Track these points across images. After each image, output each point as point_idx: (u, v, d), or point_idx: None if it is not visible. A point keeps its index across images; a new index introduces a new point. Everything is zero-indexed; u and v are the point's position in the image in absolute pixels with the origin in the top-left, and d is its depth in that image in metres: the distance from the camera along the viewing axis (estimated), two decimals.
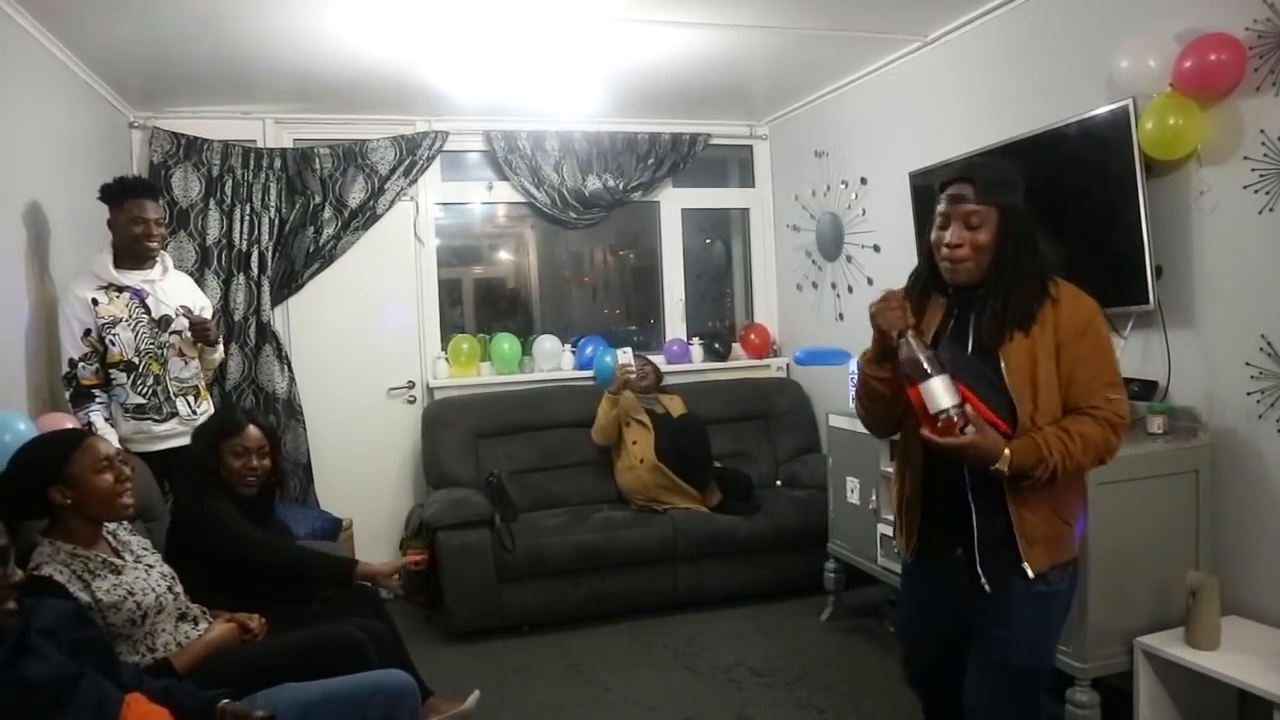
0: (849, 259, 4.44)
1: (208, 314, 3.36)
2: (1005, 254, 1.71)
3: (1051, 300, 1.73)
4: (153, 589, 2.14)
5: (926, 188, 3.60)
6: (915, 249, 3.77)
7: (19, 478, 2.06)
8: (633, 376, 4.23)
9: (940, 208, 1.76)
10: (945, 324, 1.83)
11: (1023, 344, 1.71)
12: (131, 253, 3.07)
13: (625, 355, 4.28)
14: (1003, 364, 1.71)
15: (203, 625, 2.26)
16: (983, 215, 1.70)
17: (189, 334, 3.13)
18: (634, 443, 4.18)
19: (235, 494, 2.64)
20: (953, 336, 1.80)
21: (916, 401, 1.67)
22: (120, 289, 3.03)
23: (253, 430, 2.68)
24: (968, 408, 1.65)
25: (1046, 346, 1.71)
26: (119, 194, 3.05)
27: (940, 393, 1.64)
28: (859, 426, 3.88)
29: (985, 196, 1.70)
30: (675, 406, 4.40)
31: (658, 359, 4.80)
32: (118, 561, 2.13)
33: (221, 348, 3.37)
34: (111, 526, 2.23)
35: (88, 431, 2.33)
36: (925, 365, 1.65)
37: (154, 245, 3.11)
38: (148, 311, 3.07)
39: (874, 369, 1.83)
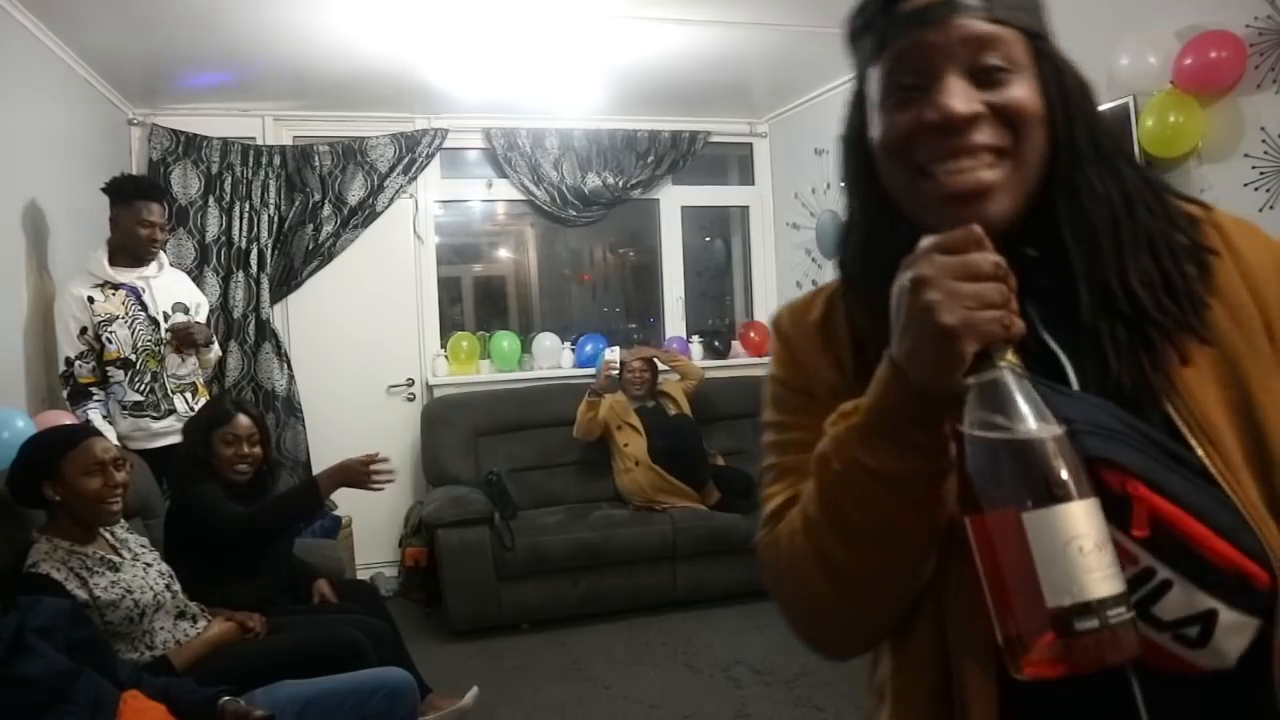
0: None
1: (204, 311, 3.37)
2: (1073, 146, 0.71)
3: (1208, 243, 0.72)
4: (150, 587, 2.15)
5: None
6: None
7: (21, 469, 2.08)
8: (615, 373, 4.23)
9: (892, 50, 0.71)
10: None
11: (1206, 362, 0.69)
12: (132, 252, 3.07)
13: (612, 354, 4.28)
14: (1181, 422, 0.67)
15: (201, 623, 2.26)
16: (1007, 46, 0.69)
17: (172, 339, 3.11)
18: (626, 445, 4.18)
19: (228, 483, 2.65)
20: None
21: (1002, 552, 0.58)
22: (116, 286, 3.02)
23: (242, 419, 2.69)
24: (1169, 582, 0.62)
25: (1255, 346, 0.70)
26: (130, 193, 3.06)
27: (1094, 539, 0.56)
28: None
29: (1002, 7, 0.70)
30: (675, 390, 4.40)
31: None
32: (115, 559, 2.14)
33: (217, 346, 3.37)
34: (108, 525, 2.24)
35: (91, 430, 2.34)
36: (1058, 453, 0.57)
37: (157, 249, 3.14)
38: (144, 309, 3.07)
39: (880, 451, 0.65)
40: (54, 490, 2.06)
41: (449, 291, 5.00)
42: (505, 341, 4.78)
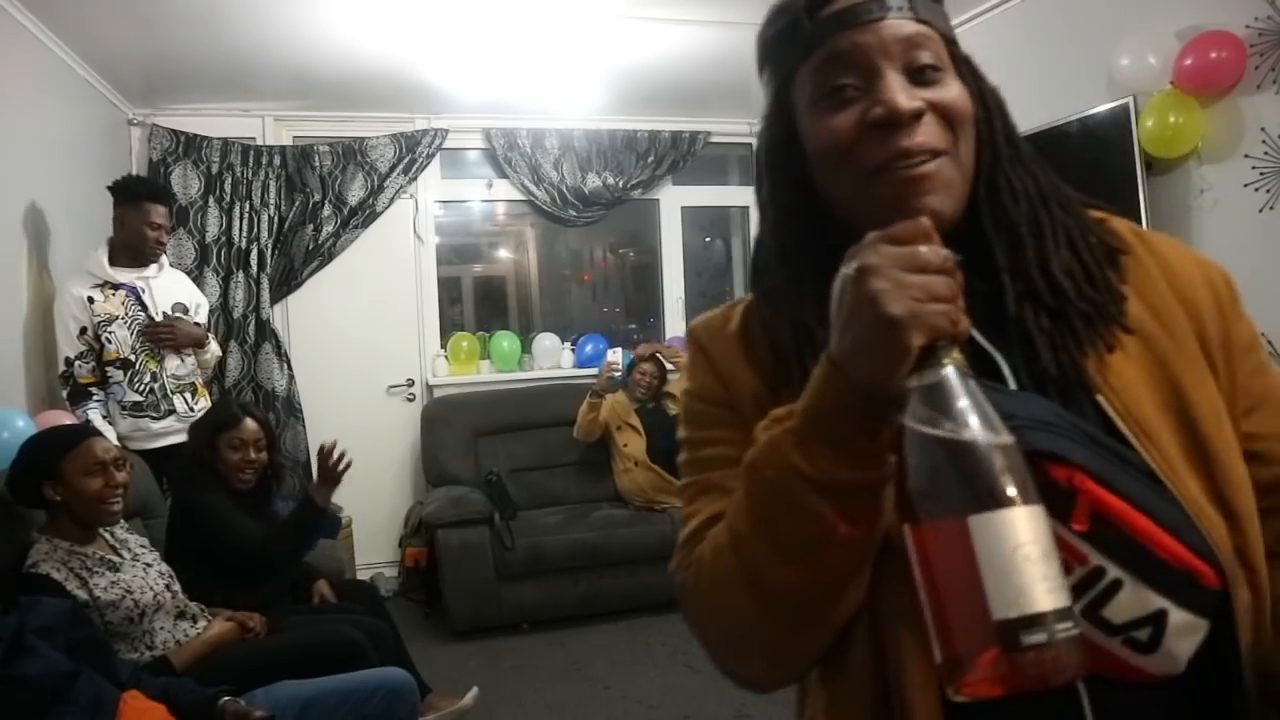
0: None
1: (204, 312, 3.37)
2: (994, 147, 0.73)
3: (1117, 243, 0.74)
4: (150, 587, 2.15)
5: None
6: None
7: (21, 469, 2.08)
8: (618, 374, 4.24)
9: (824, 51, 0.70)
10: None
11: (1131, 359, 0.69)
12: (136, 253, 3.07)
13: (614, 355, 4.29)
14: (1118, 420, 0.67)
15: (201, 623, 2.26)
16: (934, 45, 0.70)
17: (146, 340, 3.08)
18: (625, 445, 4.18)
19: (232, 488, 2.64)
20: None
21: (946, 560, 0.54)
22: (116, 287, 3.02)
23: (250, 423, 2.68)
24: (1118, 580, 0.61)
25: (1182, 346, 0.71)
26: (141, 194, 3.07)
27: (1042, 547, 0.52)
28: None
29: (924, 8, 0.71)
30: (677, 390, 4.40)
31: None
32: (115, 559, 2.14)
33: (215, 346, 3.37)
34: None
35: (92, 430, 2.34)
36: (1005, 456, 0.54)
37: (161, 251, 3.15)
38: (144, 309, 3.07)
39: (816, 455, 0.60)
40: (54, 490, 2.06)
41: (449, 291, 5.00)
42: (505, 342, 4.78)
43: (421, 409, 4.54)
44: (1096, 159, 2.73)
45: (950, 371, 0.55)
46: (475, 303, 5.19)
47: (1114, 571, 0.60)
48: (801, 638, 0.68)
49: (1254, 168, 2.43)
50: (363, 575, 4.20)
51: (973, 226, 0.71)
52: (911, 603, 0.59)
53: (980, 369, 0.64)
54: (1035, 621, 0.50)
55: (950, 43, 0.72)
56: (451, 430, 4.33)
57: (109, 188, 3.07)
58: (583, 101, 4.46)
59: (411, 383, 4.69)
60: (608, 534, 3.88)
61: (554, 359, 4.87)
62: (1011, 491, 0.52)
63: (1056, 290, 0.68)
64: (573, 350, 4.93)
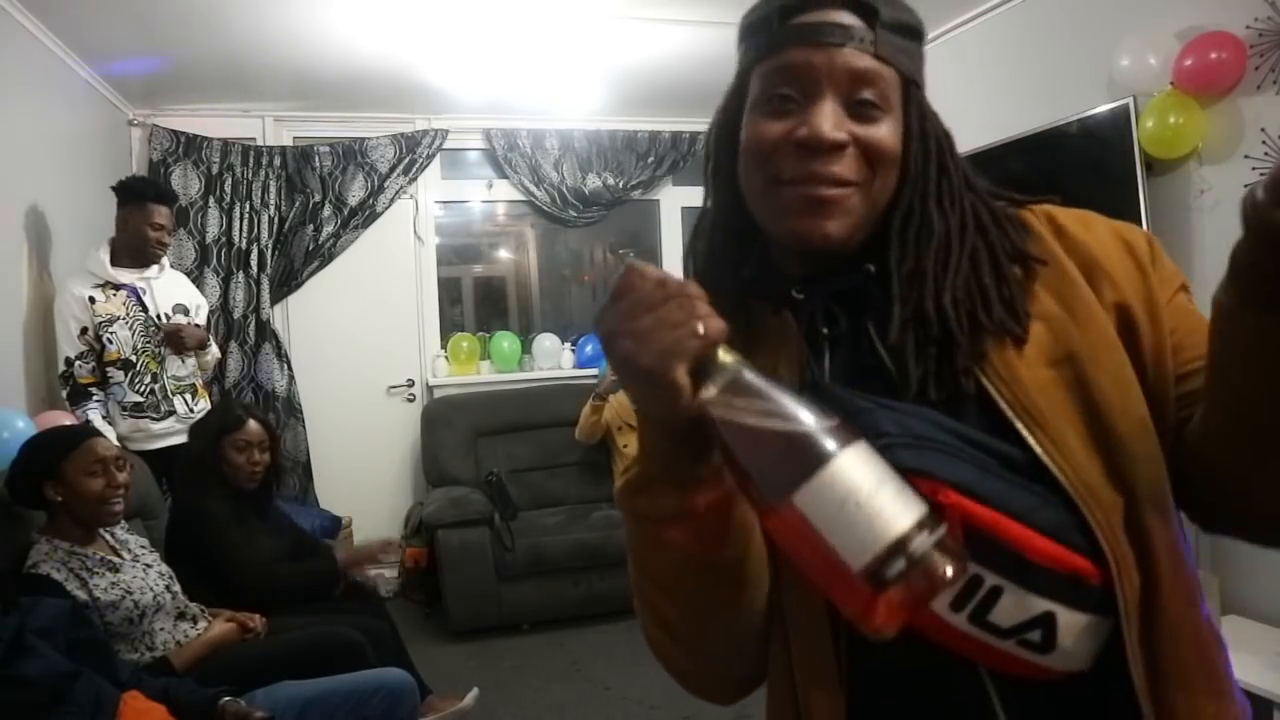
0: None
1: (204, 313, 3.37)
2: (921, 186, 0.74)
3: (1033, 247, 0.75)
4: (150, 588, 2.15)
5: None
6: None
7: (21, 469, 2.08)
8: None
9: (778, 59, 0.73)
10: (812, 354, 0.77)
11: (1033, 346, 0.71)
12: (138, 254, 3.07)
13: None
14: (1006, 408, 0.69)
15: (201, 624, 2.26)
16: (884, 84, 0.72)
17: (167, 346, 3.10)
18: (625, 446, 4.17)
19: (236, 489, 2.65)
20: (847, 375, 0.75)
21: (797, 541, 0.55)
22: (117, 287, 3.02)
23: (253, 425, 2.69)
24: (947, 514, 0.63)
25: (1083, 322, 0.71)
26: (149, 195, 3.07)
27: (866, 487, 0.53)
28: None
29: (889, 47, 0.73)
30: None
31: None
32: (115, 560, 2.14)
33: (216, 348, 3.36)
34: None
35: (93, 430, 2.35)
36: (801, 427, 0.55)
37: (163, 252, 3.16)
38: (144, 310, 3.07)
39: (659, 495, 0.65)
40: (55, 491, 2.06)
41: (449, 292, 5.00)
42: (505, 342, 4.78)
43: (421, 409, 4.54)
44: (1096, 159, 2.73)
45: (725, 372, 0.57)
46: (475, 303, 5.19)
47: (991, 579, 0.61)
48: (717, 660, 0.78)
49: (1254, 168, 2.43)
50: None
51: (882, 243, 0.74)
52: (805, 602, 0.69)
53: (885, 379, 0.71)
54: (890, 553, 0.51)
55: (909, 84, 0.74)
56: (451, 431, 4.33)
57: (113, 188, 3.07)
58: (583, 102, 4.46)
59: (411, 383, 4.69)
60: (608, 534, 3.88)
61: (554, 359, 4.87)
62: (822, 448, 0.53)
63: (944, 320, 0.70)
64: (573, 351, 4.93)
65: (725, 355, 0.58)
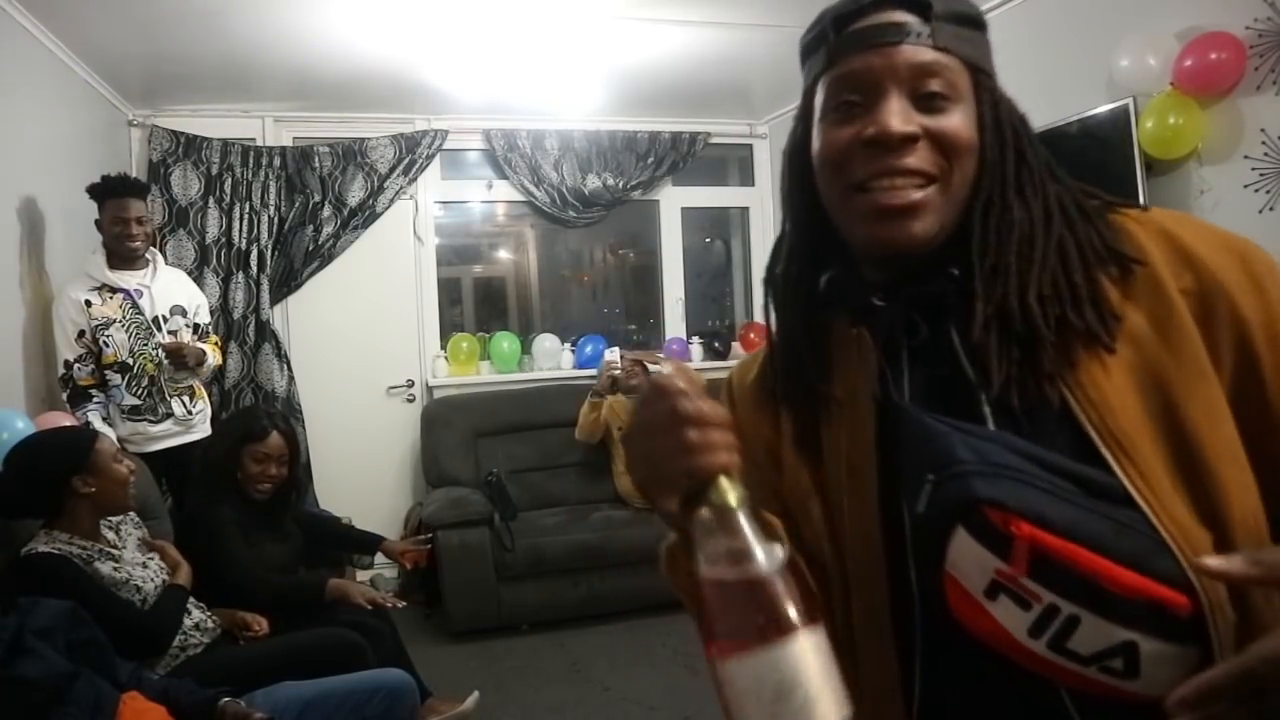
0: None
1: (204, 312, 3.36)
2: (999, 174, 0.72)
3: (1129, 250, 0.70)
4: (151, 579, 2.18)
5: None
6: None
7: (43, 466, 2.09)
8: (618, 373, 4.24)
9: (840, 68, 0.73)
10: (891, 370, 0.75)
11: (1120, 367, 0.67)
12: (117, 252, 3.05)
13: (612, 354, 4.29)
14: (1095, 435, 0.66)
15: (198, 616, 2.28)
16: (950, 74, 0.71)
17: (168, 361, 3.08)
18: None
19: (246, 497, 2.65)
20: (927, 392, 0.73)
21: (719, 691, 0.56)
22: (114, 290, 3.01)
23: (276, 438, 2.70)
24: None
25: (1178, 350, 0.67)
26: (101, 193, 3.02)
27: (799, 690, 0.52)
28: None
29: (947, 36, 0.72)
30: None
31: (658, 354, 4.79)
32: (116, 552, 2.17)
33: (214, 356, 3.30)
34: (114, 521, 2.26)
35: (94, 432, 2.40)
36: (760, 592, 0.54)
37: (136, 245, 3.05)
38: (140, 313, 3.06)
39: (679, 569, 0.70)
40: (85, 482, 2.09)
41: (449, 292, 5.00)
42: (505, 342, 4.78)
43: (421, 410, 4.54)
44: (1096, 160, 2.73)
45: (714, 504, 0.57)
46: (475, 303, 5.19)
47: (1068, 608, 0.61)
48: None
49: (1254, 169, 2.44)
50: (362, 576, 4.19)
51: (967, 245, 0.71)
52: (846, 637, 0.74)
53: (969, 394, 0.69)
54: None
55: (977, 71, 0.73)
56: (451, 431, 4.33)
57: (86, 190, 3.03)
58: (583, 102, 4.46)
59: (411, 383, 4.69)
60: (608, 535, 3.88)
61: (554, 360, 4.87)
62: (774, 622, 0.52)
63: (1029, 318, 0.67)
64: (573, 351, 4.93)
65: (725, 487, 0.57)
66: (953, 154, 0.70)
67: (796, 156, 0.78)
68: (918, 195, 0.69)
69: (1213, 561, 0.57)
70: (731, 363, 5.03)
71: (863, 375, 0.75)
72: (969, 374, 0.69)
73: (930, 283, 0.72)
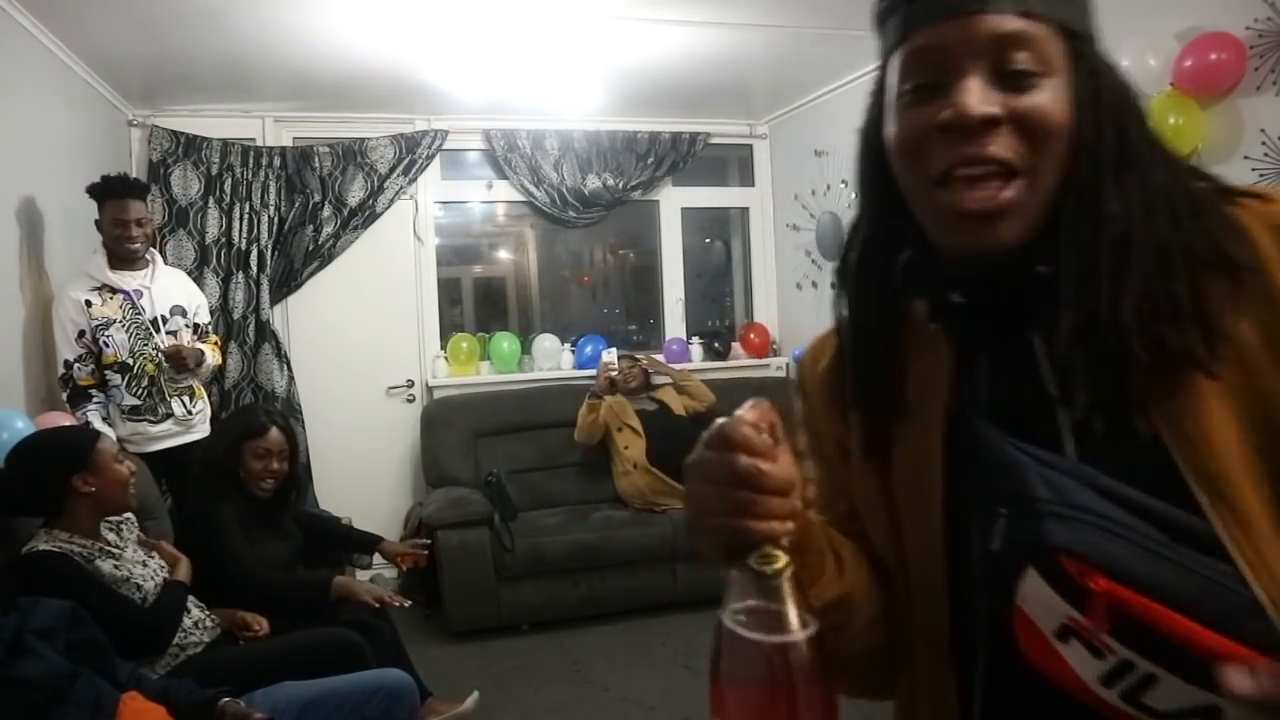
0: None
1: (204, 312, 3.36)
2: (1096, 158, 0.63)
3: (1245, 257, 0.60)
4: (151, 577, 2.19)
5: None
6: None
7: (45, 465, 2.09)
8: (615, 375, 4.24)
9: (913, 42, 0.65)
10: (965, 375, 0.70)
11: (1223, 395, 0.59)
12: (116, 253, 3.05)
13: (609, 355, 4.29)
14: (1188, 473, 0.59)
15: (198, 615, 2.28)
16: (1040, 44, 0.62)
17: (168, 364, 3.07)
18: (625, 447, 4.17)
19: (248, 495, 2.65)
20: (1003, 403, 0.67)
21: None
22: (114, 290, 3.01)
23: (276, 434, 2.70)
24: None
25: None
26: (100, 194, 3.02)
27: None
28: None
29: (1040, 2, 0.62)
30: (671, 398, 4.39)
31: (655, 358, 4.80)
32: (117, 551, 2.17)
33: (213, 356, 3.30)
34: (115, 521, 2.26)
35: (96, 432, 2.41)
36: (781, 664, 0.53)
37: (135, 247, 3.05)
38: (140, 313, 3.06)
39: None
40: (86, 481, 2.09)
41: (449, 293, 5.00)
42: (505, 343, 4.78)
43: (421, 410, 4.54)
44: None
45: (740, 572, 0.55)
46: (475, 304, 5.19)
47: (1145, 666, 0.56)
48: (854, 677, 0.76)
49: (1254, 169, 2.43)
50: (362, 575, 4.19)
51: (1080, 223, 0.62)
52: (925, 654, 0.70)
53: (1038, 407, 0.62)
54: None
55: (1073, 36, 0.63)
56: (451, 431, 4.33)
57: (86, 190, 3.03)
58: (582, 102, 4.46)
59: (411, 384, 4.69)
60: (608, 535, 3.88)
61: (554, 360, 4.87)
62: (764, 702, 0.52)
63: (1121, 333, 0.59)
64: (572, 351, 4.93)
65: (771, 555, 0.54)
66: (1041, 139, 0.61)
67: (871, 136, 0.71)
68: (1003, 196, 0.60)
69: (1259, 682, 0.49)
70: (732, 363, 5.08)
71: (936, 380, 0.69)
72: (1049, 388, 0.62)
73: (1014, 281, 0.64)
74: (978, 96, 0.60)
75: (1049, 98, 0.61)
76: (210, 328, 3.44)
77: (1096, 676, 0.58)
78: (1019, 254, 0.62)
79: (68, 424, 2.65)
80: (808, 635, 0.53)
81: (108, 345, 2.97)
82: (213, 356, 3.28)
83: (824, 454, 0.78)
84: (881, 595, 0.73)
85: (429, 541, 3.35)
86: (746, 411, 0.57)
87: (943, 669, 0.69)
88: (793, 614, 0.53)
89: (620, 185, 4.88)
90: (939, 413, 0.69)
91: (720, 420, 0.57)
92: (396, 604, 2.68)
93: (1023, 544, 0.60)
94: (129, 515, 2.32)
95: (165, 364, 3.06)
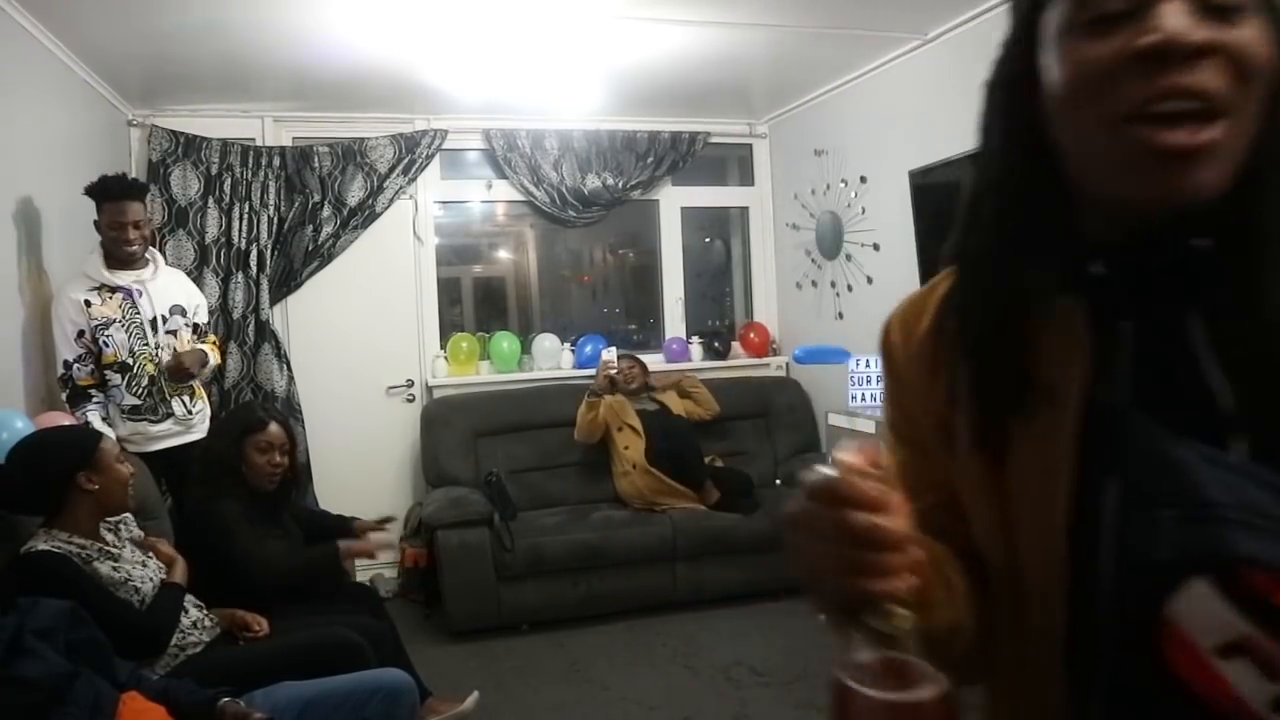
0: (848, 257, 4.43)
1: (203, 312, 3.36)
2: None
3: None
4: (149, 578, 2.19)
5: (926, 186, 3.60)
6: (915, 247, 3.76)
7: (48, 463, 2.09)
8: (614, 373, 4.24)
9: None
10: (1105, 359, 0.61)
11: None
12: (112, 254, 3.04)
13: (609, 354, 4.29)
14: None
15: (196, 615, 2.28)
16: None
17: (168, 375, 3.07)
18: (625, 448, 4.17)
19: (252, 490, 2.66)
20: (1149, 393, 0.58)
21: None
22: (113, 290, 3.01)
23: (275, 427, 2.72)
24: None
25: None
26: (98, 195, 3.02)
27: None
28: (859, 425, 3.90)
29: None
30: (672, 401, 4.39)
31: (655, 357, 4.80)
32: (115, 551, 2.17)
33: (214, 357, 3.30)
34: (113, 521, 2.26)
35: (96, 433, 2.41)
36: None
37: (133, 249, 3.04)
38: (139, 313, 3.06)
39: None
40: (89, 479, 2.10)
41: (449, 292, 4.99)
42: (505, 342, 4.78)
43: (421, 410, 4.54)
44: None
45: (859, 629, 0.52)
46: (475, 303, 5.19)
47: None
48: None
49: None
50: (362, 576, 4.19)
51: (1227, 208, 0.55)
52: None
53: (1192, 400, 0.55)
54: None
55: None
56: (451, 431, 4.33)
57: (84, 191, 3.02)
58: (582, 102, 4.46)
59: (411, 383, 4.69)
60: (607, 535, 3.88)
61: (554, 360, 4.87)
62: None
63: None
64: (572, 351, 4.93)
65: (892, 613, 0.51)
66: (1249, 74, 0.53)
67: (1009, 94, 0.63)
68: (1210, 133, 0.52)
69: None
70: (732, 363, 5.08)
71: (1070, 363, 0.60)
72: (1209, 379, 0.55)
73: (1171, 250, 0.56)
74: (1185, 20, 0.52)
75: (1254, 33, 0.54)
76: (209, 328, 3.43)
77: (1268, 701, 0.51)
78: (1176, 217, 0.55)
79: (67, 423, 2.65)
80: (940, 692, 0.50)
81: (107, 345, 2.97)
82: (213, 356, 3.28)
83: (915, 438, 0.70)
84: (984, 604, 0.67)
85: (391, 517, 3.34)
86: (849, 455, 0.52)
87: (1056, 676, 0.62)
88: (919, 669, 0.51)
89: (620, 185, 4.88)
90: (1075, 400, 0.60)
91: (824, 471, 0.52)
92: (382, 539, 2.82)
93: (1194, 553, 0.53)
94: (126, 515, 2.32)
95: (168, 378, 3.06)
